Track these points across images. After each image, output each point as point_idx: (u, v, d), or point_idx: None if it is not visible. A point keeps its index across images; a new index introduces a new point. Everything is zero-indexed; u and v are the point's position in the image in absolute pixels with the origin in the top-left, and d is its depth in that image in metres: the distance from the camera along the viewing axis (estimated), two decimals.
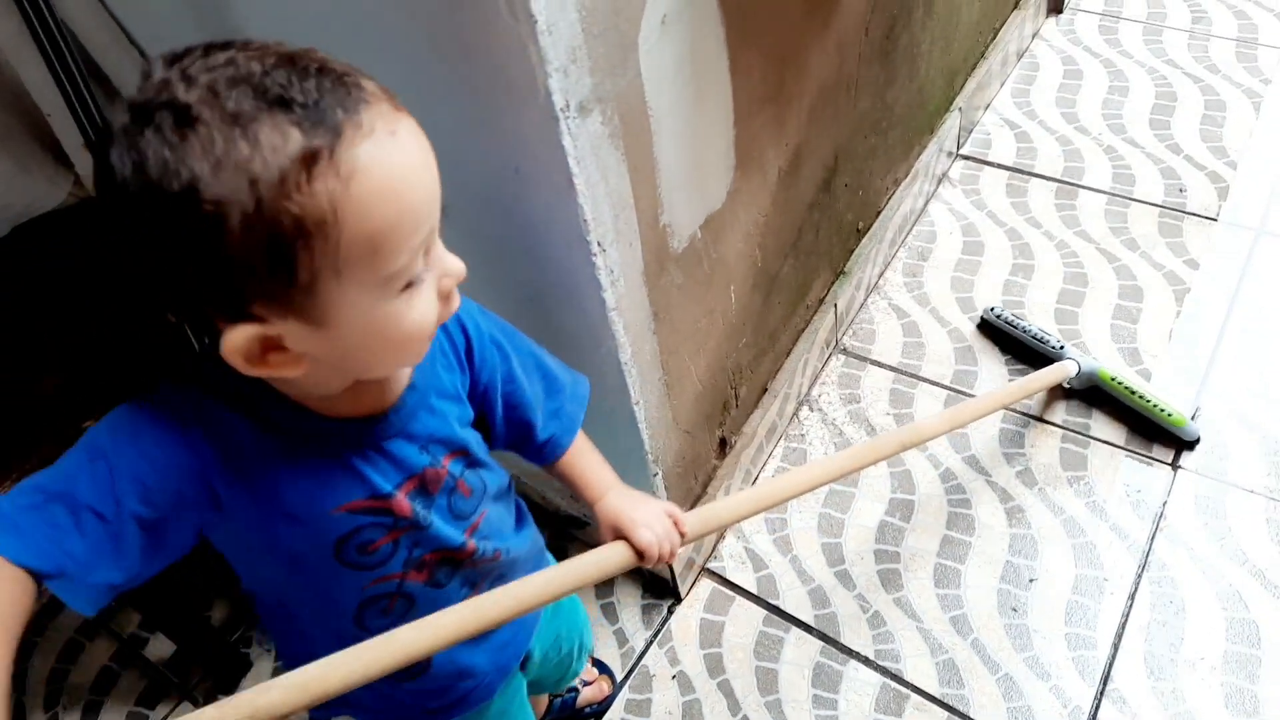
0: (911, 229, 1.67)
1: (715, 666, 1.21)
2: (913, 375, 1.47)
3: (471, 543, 0.70)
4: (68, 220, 1.23)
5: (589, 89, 0.76)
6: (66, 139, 1.16)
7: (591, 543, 1.34)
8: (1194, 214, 1.59)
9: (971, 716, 1.12)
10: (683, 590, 1.27)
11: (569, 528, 1.33)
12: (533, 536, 0.82)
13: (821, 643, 1.21)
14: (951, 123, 1.69)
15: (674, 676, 1.21)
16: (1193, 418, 1.33)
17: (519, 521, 0.80)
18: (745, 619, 1.25)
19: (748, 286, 1.20)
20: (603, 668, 1.22)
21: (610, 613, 1.28)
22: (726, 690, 1.19)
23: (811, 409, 1.46)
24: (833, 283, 1.47)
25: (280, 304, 0.49)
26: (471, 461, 0.70)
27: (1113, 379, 1.35)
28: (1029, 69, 1.90)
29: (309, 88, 0.46)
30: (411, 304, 0.53)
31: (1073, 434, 1.36)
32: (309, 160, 0.45)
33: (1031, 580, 1.22)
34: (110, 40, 1.14)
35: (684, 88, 0.90)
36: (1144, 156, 1.70)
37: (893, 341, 1.52)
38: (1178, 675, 1.12)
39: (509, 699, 0.87)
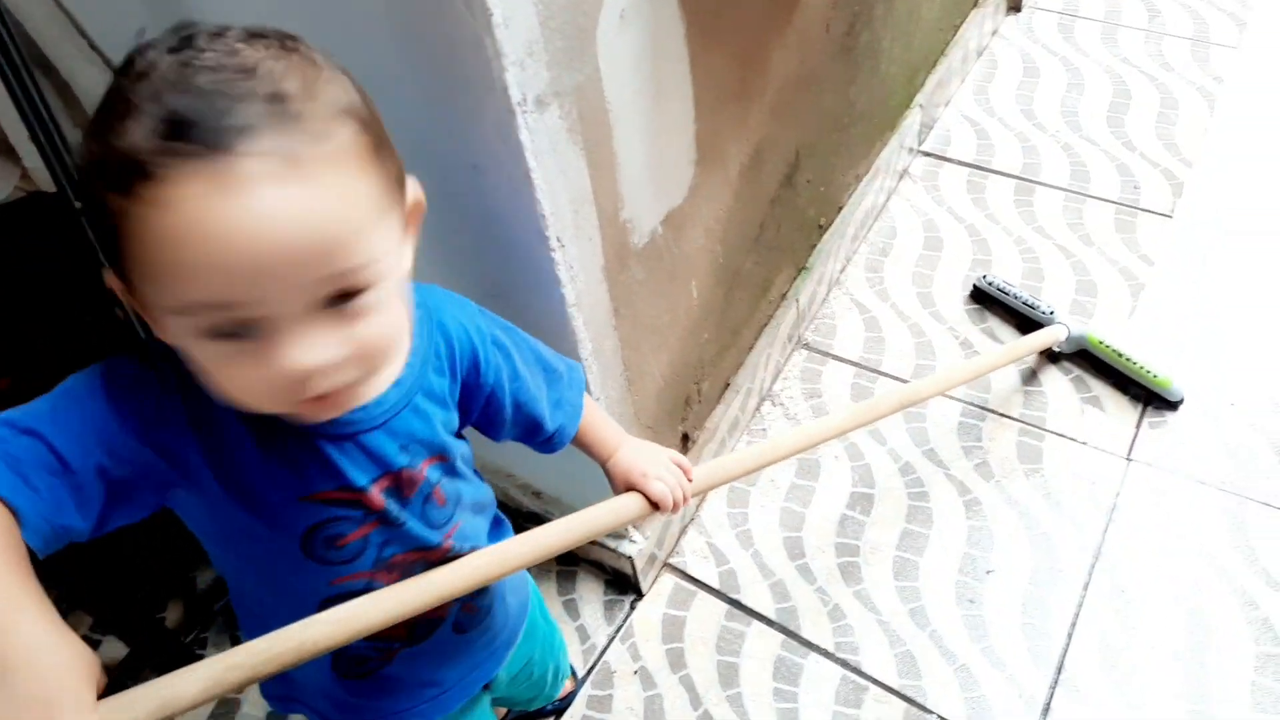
0: (873, 224, 1.68)
1: (677, 661, 1.22)
2: (874, 370, 1.48)
3: (447, 544, 0.69)
4: (14, 215, 1.20)
5: (546, 83, 0.76)
6: (13, 132, 1.13)
7: None
8: (1149, 210, 1.62)
9: (929, 707, 1.14)
10: (644, 586, 1.27)
11: (530, 524, 1.32)
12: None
13: (782, 636, 1.22)
14: (912, 119, 1.70)
15: (636, 672, 1.21)
16: None
17: (495, 535, 0.79)
18: (707, 613, 1.25)
19: (710, 282, 1.20)
20: None
21: (572, 609, 1.28)
22: (688, 685, 1.19)
23: (774, 404, 1.47)
24: (795, 278, 1.48)
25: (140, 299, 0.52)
26: (451, 470, 0.69)
27: (1100, 342, 1.40)
28: (988, 66, 1.92)
29: (200, 105, 0.47)
30: (229, 359, 0.50)
31: (1029, 427, 1.38)
32: (131, 164, 0.47)
33: (988, 572, 1.24)
34: (58, 29, 1.11)
35: (644, 83, 0.90)
36: (1100, 153, 1.72)
37: (854, 336, 1.53)
38: (1130, 663, 1.14)
39: (471, 716, 0.86)
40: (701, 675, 1.20)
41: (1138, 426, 1.36)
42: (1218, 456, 1.31)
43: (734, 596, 1.26)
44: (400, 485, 0.64)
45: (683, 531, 1.33)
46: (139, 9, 0.94)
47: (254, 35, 0.49)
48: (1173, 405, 1.37)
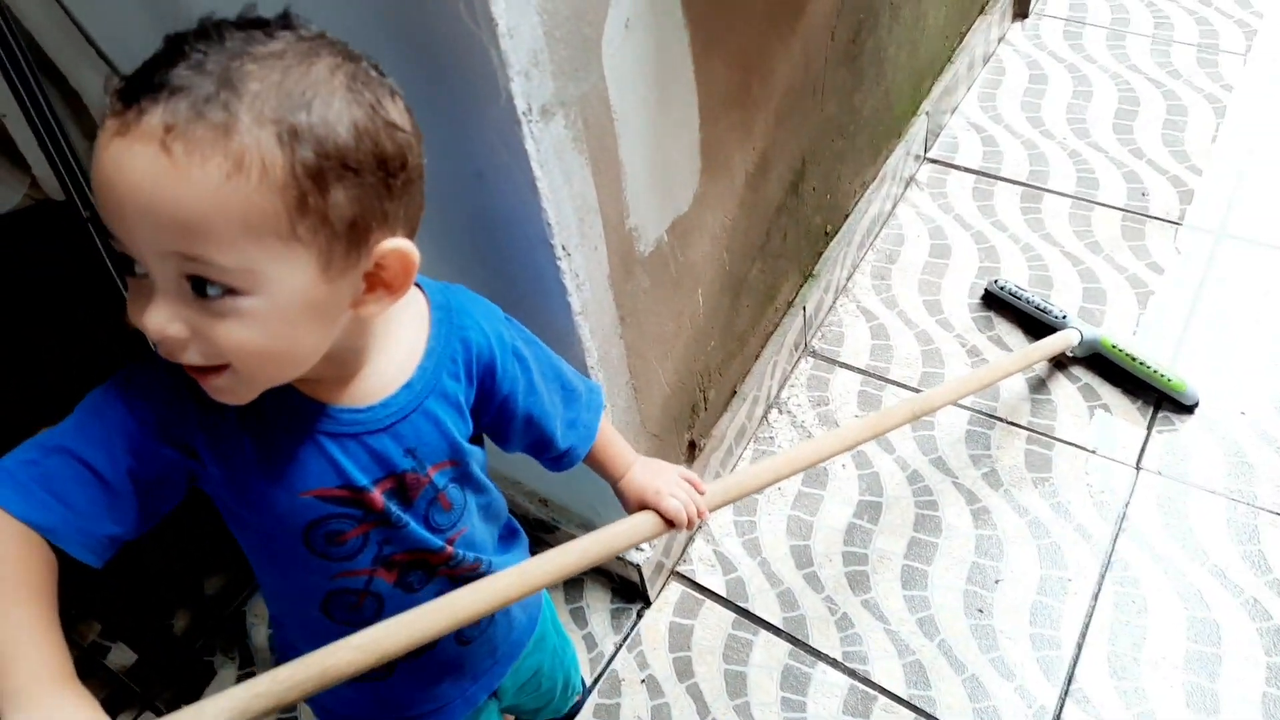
0: (879, 232, 1.68)
1: (684, 670, 1.21)
2: (881, 377, 1.48)
3: (449, 549, 0.69)
4: (23, 223, 1.21)
5: (551, 92, 0.76)
6: (22, 140, 1.14)
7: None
8: (1157, 218, 1.61)
9: (938, 717, 1.13)
10: (652, 594, 1.27)
11: (538, 532, 1.32)
12: (523, 560, 0.79)
13: (790, 645, 1.21)
14: (919, 127, 1.70)
15: (643, 680, 1.21)
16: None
17: (507, 542, 0.80)
18: (714, 622, 1.25)
19: (716, 290, 1.20)
20: None
21: (579, 617, 1.28)
22: (695, 694, 1.19)
23: (780, 411, 1.46)
24: (801, 286, 1.47)
25: None
26: (462, 476, 0.69)
27: (1114, 346, 1.40)
28: (995, 73, 1.92)
29: (183, 72, 0.49)
30: (132, 295, 0.53)
31: (1038, 435, 1.37)
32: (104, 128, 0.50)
33: (997, 581, 1.23)
34: (66, 38, 1.11)
35: (649, 91, 0.90)
36: (1108, 161, 1.72)
37: (861, 344, 1.53)
38: (1140, 674, 1.13)
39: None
40: (709, 684, 1.19)
41: (1147, 435, 1.35)
42: (1228, 465, 1.30)
43: (741, 605, 1.26)
44: (404, 488, 0.64)
45: (690, 540, 1.33)
46: (146, 18, 0.95)
47: (320, 37, 0.53)
48: (1188, 409, 1.36)
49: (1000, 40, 1.98)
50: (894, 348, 1.51)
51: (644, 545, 1.22)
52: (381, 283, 0.56)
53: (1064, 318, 1.45)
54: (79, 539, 0.55)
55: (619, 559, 1.22)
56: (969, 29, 1.84)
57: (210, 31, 0.50)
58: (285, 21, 0.52)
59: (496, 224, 0.86)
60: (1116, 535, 1.25)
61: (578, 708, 1.19)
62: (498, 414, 0.71)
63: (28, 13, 1.03)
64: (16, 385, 1.13)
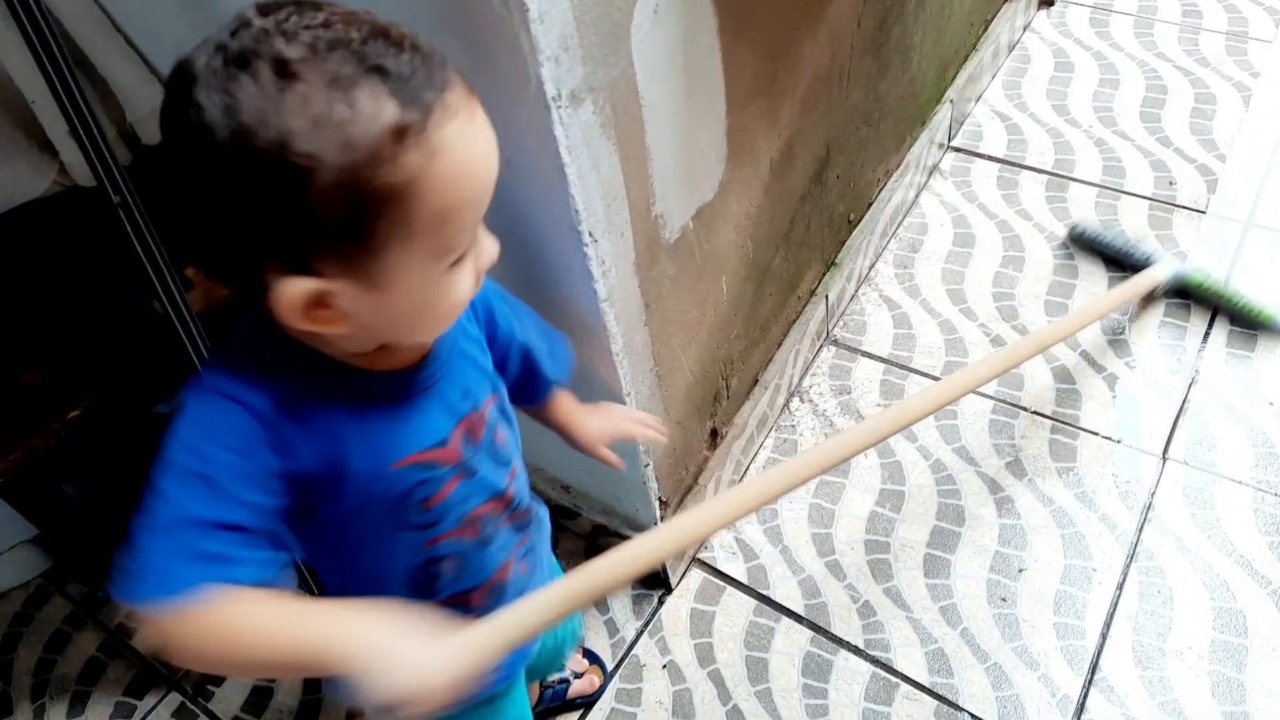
0: (902, 220, 1.67)
1: (706, 656, 1.22)
2: (903, 366, 1.47)
3: (511, 488, 0.73)
4: (52, 209, 1.22)
5: (581, 78, 0.76)
6: (51, 127, 1.15)
7: (579, 534, 1.34)
8: (1184, 206, 1.60)
9: (961, 706, 1.13)
10: (673, 580, 1.28)
11: (559, 518, 1.33)
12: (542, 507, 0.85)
13: (812, 632, 1.21)
14: (943, 114, 1.69)
15: (664, 666, 1.22)
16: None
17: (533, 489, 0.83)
18: (736, 609, 1.25)
19: (739, 277, 1.20)
20: (593, 658, 1.22)
21: (601, 603, 1.28)
22: (717, 680, 1.19)
23: (802, 400, 1.46)
24: (824, 274, 1.47)
25: (343, 262, 0.50)
26: (502, 409, 0.73)
27: (1200, 284, 1.44)
28: (1020, 61, 1.90)
29: (404, 61, 0.48)
30: (458, 279, 0.55)
31: (1063, 425, 1.36)
32: (401, 133, 0.48)
33: (1021, 570, 1.23)
34: (96, 26, 1.12)
35: (676, 78, 0.90)
36: (1134, 149, 1.70)
37: (883, 333, 1.52)
38: (1165, 664, 1.13)
39: (518, 689, 0.87)
40: (730, 670, 1.20)
41: (1174, 425, 1.34)
42: (1254, 455, 1.29)
43: (763, 592, 1.26)
44: (472, 429, 0.67)
45: None
46: (175, 7, 0.95)
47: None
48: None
49: (1025, 28, 1.96)
50: (916, 337, 1.51)
51: None
52: None
53: (1148, 257, 1.47)
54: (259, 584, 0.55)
55: None
56: (994, 16, 1.83)
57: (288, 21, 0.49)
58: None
59: (525, 210, 0.86)
60: (1142, 525, 1.25)
61: (600, 691, 1.20)
62: (502, 348, 0.76)
63: (57, 2, 1.04)
64: (43, 375, 1.14)
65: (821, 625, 1.22)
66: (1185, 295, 1.47)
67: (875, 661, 1.18)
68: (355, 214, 0.48)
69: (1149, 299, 1.47)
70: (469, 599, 0.73)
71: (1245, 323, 1.42)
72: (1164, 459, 1.31)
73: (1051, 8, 1.99)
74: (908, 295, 1.57)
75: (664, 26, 0.85)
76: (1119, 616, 1.17)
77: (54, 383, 1.16)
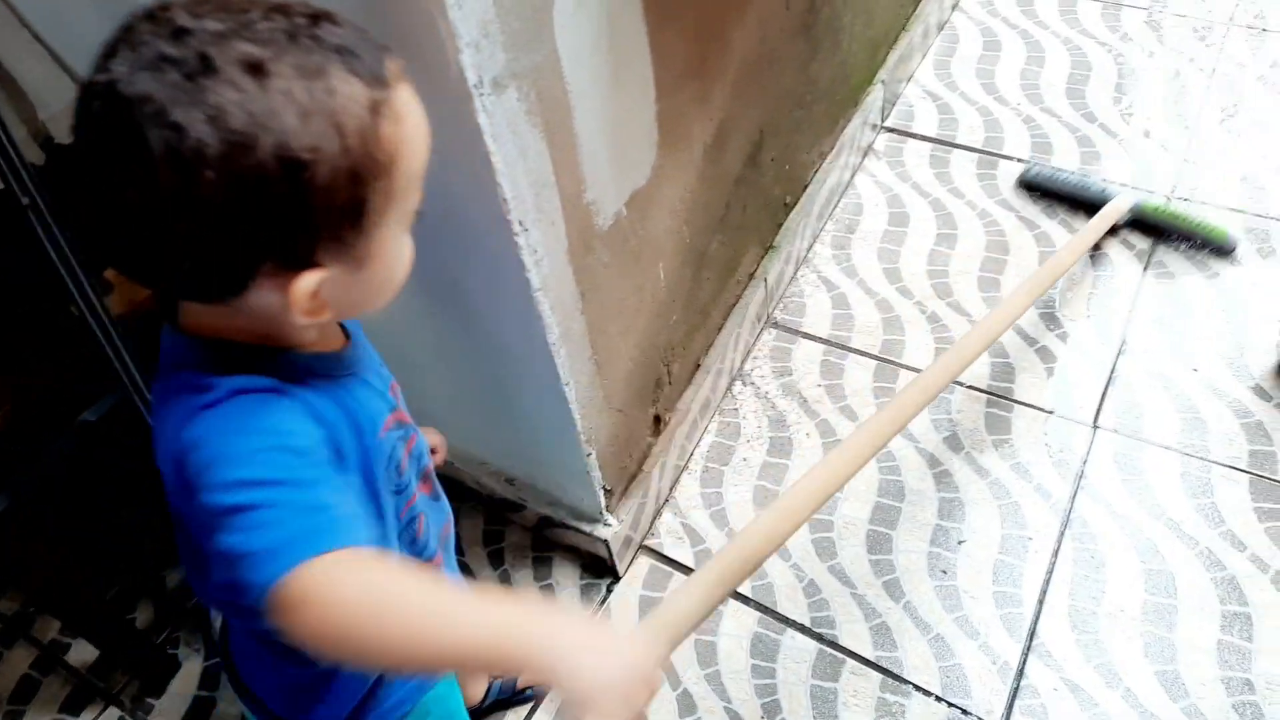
0: (838, 202, 1.69)
1: None
2: (843, 346, 1.49)
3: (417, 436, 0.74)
4: None
5: (503, 65, 0.75)
6: None
7: (525, 526, 1.32)
8: (1109, 182, 1.63)
9: (905, 678, 1.15)
10: (621, 568, 1.28)
11: (505, 511, 1.32)
12: None
13: (759, 613, 1.23)
14: (875, 95, 1.70)
15: None
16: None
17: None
18: None
19: (676, 263, 1.20)
20: None
21: (549, 594, 1.28)
22: (665, 666, 1.20)
23: (745, 383, 1.47)
24: (762, 257, 1.48)
25: (340, 247, 0.51)
26: None
27: (1155, 208, 1.53)
28: (949, 41, 1.93)
29: (351, 38, 0.49)
30: (408, 240, 0.56)
31: (997, 399, 1.39)
32: (376, 108, 0.48)
33: (960, 542, 1.25)
34: (3, 25, 1.08)
35: (603, 63, 0.89)
36: (1060, 125, 1.73)
37: (822, 314, 1.54)
38: (1099, 627, 1.16)
39: (447, 684, 0.86)
40: (679, 655, 1.20)
41: (1103, 395, 1.38)
42: (1180, 420, 1.33)
43: None
44: (395, 393, 0.69)
45: (658, 513, 1.34)
46: (87, 2, 0.91)
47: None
48: (1228, 254, 1.49)
49: (954, 8, 1.98)
50: (855, 316, 1.52)
51: (610, 520, 1.22)
52: None
53: (1103, 191, 1.55)
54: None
55: (586, 535, 1.22)
56: None
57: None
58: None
59: (451, 201, 0.84)
60: (1075, 493, 1.28)
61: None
62: None
63: None
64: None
65: (768, 605, 1.23)
66: (1142, 224, 1.54)
67: (821, 639, 1.19)
68: (355, 196, 0.49)
69: (1113, 231, 1.53)
70: (436, 563, 0.75)
71: (1200, 243, 1.50)
72: (1094, 428, 1.34)
73: None
74: (845, 276, 1.58)
75: (588, 11, 0.84)
76: (1055, 583, 1.20)
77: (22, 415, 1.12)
